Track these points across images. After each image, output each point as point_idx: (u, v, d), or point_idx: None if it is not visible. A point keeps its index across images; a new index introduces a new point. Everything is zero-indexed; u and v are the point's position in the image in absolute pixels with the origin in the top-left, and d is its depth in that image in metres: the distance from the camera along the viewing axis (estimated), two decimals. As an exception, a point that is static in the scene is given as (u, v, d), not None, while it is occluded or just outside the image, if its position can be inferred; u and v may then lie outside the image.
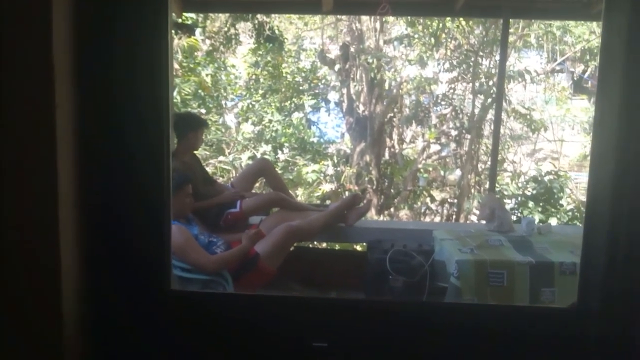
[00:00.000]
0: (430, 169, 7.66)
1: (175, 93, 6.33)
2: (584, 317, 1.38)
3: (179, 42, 6.70)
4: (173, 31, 6.14)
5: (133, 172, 1.37)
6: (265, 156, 7.10)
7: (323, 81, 8.30)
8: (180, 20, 6.44)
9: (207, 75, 7.24)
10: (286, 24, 8.27)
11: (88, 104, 1.32)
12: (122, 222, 1.38)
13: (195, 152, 3.91)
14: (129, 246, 1.37)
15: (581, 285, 1.37)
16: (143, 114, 1.36)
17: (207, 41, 7.58)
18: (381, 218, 7.29)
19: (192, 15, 6.91)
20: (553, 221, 5.69)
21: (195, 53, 7.21)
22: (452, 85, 7.45)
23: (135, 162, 1.37)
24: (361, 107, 7.66)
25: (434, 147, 7.80)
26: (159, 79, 1.35)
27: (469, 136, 7.33)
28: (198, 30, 7.15)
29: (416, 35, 7.47)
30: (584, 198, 5.45)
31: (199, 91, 7.05)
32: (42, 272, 1.23)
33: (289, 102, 7.98)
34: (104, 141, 1.35)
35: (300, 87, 8.10)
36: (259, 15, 7.24)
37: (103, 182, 1.36)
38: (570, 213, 5.91)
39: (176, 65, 6.70)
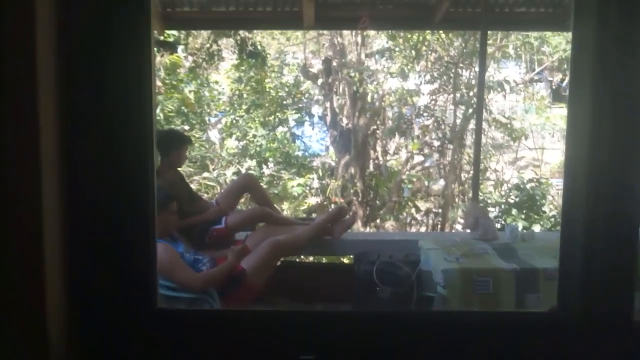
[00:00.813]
0: (415, 179, 7.72)
1: (158, 110, 6.32)
2: (564, 320, 1.41)
3: (161, 59, 6.71)
4: (155, 49, 6.16)
5: (118, 190, 1.37)
6: (250, 171, 7.10)
7: (306, 95, 8.34)
8: (162, 38, 6.45)
9: (190, 91, 7.24)
10: (268, 40, 8.32)
11: (72, 123, 1.33)
12: (108, 241, 1.38)
13: (179, 169, 3.90)
14: (115, 265, 1.37)
15: (560, 289, 1.41)
16: (127, 133, 1.37)
17: (190, 58, 7.59)
18: (367, 230, 7.31)
19: (174, 32, 6.94)
20: (536, 228, 5.76)
21: (178, 70, 7.22)
22: (434, 97, 7.55)
23: (120, 179, 1.38)
24: (345, 120, 7.71)
25: (418, 158, 7.87)
26: (143, 97, 1.36)
27: (451, 146, 7.41)
28: (180, 47, 7.17)
29: (397, 48, 7.57)
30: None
31: (182, 108, 7.04)
32: (25, 289, 1.22)
33: (272, 116, 8.00)
34: (88, 159, 1.36)
35: (284, 102, 8.13)
36: (241, 32, 7.29)
37: (88, 200, 1.36)
38: (552, 219, 6.00)
39: (159, 83, 6.70)
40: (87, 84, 1.33)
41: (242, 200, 5.28)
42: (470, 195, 5.74)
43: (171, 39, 6.92)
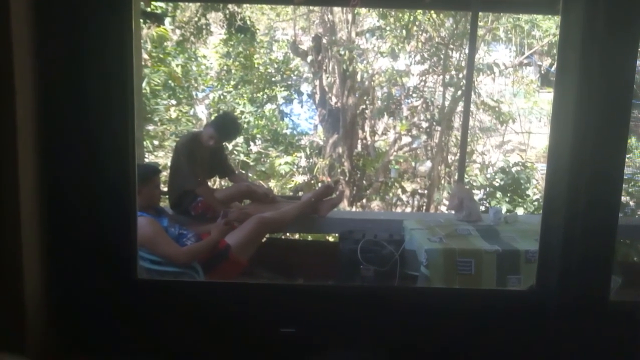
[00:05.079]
0: (402, 160, 7.74)
1: (144, 84, 6.21)
2: (542, 298, 1.43)
3: (147, 31, 6.58)
4: (142, 20, 6.03)
5: (98, 161, 1.35)
6: (237, 148, 7.07)
7: (295, 73, 8.26)
8: (149, 9, 6.31)
9: (177, 65, 7.12)
10: (258, 15, 8.20)
11: (50, 92, 1.29)
12: (87, 211, 1.36)
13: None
14: (95, 235, 1.35)
15: (540, 269, 1.42)
16: (108, 104, 1.34)
17: (177, 31, 7.45)
18: (353, 209, 7.34)
19: (162, 4, 6.79)
20: (520, 211, 5.82)
21: (165, 43, 7.09)
22: (423, 78, 7.52)
23: (100, 150, 1.35)
24: (334, 99, 7.67)
25: (405, 139, 7.88)
26: (124, 67, 1.33)
27: (439, 128, 7.42)
28: (167, 20, 7.02)
29: (388, 28, 7.50)
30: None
31: (169, 82, 6.94)
32: (2, 259, 1.20)
33: (261, 93, 7.93)
34: (68, 129, 1.33)
35: (273, 79, 8.05)
36: (230, 5, 7.17)
37: (67, 171, 1.34)
38: (536, 203, 6.06)
39: (145, 55, 6.57)
40: (65, 54, 1.30)
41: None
42: (456, 177, 5.77)
43: (158, 11, 6.77)
